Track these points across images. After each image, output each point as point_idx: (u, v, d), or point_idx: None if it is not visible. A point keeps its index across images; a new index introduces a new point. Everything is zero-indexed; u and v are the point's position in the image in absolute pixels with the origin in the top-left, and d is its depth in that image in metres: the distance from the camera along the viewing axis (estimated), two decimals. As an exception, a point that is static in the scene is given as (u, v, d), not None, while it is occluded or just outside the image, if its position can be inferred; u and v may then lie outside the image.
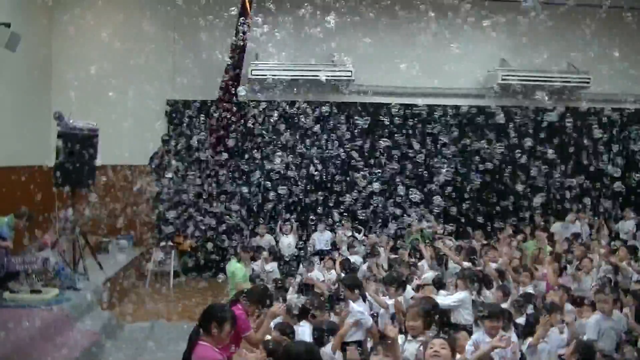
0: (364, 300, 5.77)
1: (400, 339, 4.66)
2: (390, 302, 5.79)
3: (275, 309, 4.97)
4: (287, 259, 9.79)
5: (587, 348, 4.50)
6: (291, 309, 5.56)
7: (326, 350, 4.72)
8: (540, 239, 9.39)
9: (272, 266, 8.46)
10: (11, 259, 6.67)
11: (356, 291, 5.55)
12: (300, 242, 10.42)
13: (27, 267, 6.75)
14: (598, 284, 6.78)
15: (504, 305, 5.78)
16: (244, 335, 4.78)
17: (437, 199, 9.95)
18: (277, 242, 10.21)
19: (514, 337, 5.01)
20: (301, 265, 8.49)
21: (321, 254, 9.33)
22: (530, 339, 5.05)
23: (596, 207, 11.42)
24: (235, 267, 7.72)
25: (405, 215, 10.87)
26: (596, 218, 11.15)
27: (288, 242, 10.14)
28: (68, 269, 7.68)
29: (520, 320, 5.66)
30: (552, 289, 6.96)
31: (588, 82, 11.68)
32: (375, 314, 5.94)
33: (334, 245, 10.13)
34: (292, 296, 6.59)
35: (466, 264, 7.54)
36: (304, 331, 5.13)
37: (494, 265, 7.53)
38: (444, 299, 5.97)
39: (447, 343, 3.79)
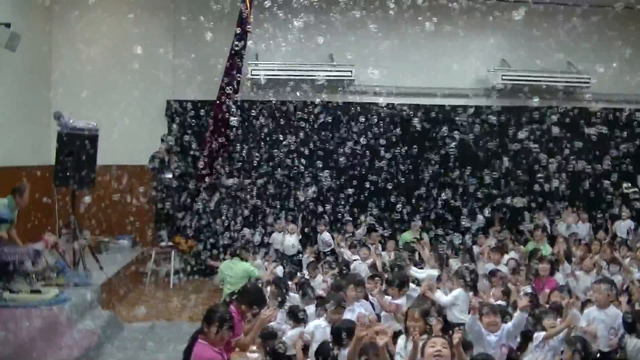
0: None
1: (402, 339, 4.67)
2: (397, 301, 5.80)
3: (266, 315, 4.88)
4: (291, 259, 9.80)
5: (580, 343, 4.53)
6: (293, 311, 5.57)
7: (343, 352, 4.55)
8: (539, 240, 9.40)
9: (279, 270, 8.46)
10: (4, 249, 6.62)
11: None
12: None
13: (18, 258, 6.71)
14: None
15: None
16: (234, 340, 4.70)
17: (439, 199, 9.98)
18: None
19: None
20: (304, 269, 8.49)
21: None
22: (537, 334, 5.08)
23: (596, 207, 11.45)
24: (249, 265, 7.66)
25: (405, 215, 10.92)
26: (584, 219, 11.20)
27: (292, 242, 10.14)
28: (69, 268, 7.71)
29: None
30: (540, 290, 6.95)
31: (588, 82, 11.68)
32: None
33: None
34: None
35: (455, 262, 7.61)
36: (317, 326, 5.12)
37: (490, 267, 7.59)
38: (440, 297, 6.05)
39: (447, 343, 3.79)
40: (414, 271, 7.18)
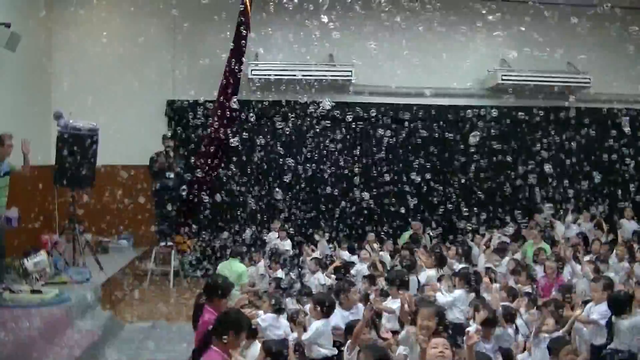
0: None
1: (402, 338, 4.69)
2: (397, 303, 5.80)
3: (239, 300, 4.83)
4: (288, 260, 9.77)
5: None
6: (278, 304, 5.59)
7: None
8: (537, 239, 9.39)
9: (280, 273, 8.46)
10: None
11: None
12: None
13: None
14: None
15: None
16: None
17: (439, 200, 9.95)
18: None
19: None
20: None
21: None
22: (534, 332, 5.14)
23: (597, 207, 11.44)
24: (242, 269, 7.65)
25: (405, 215, 10.92)
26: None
27: (286, 243, 10.11)
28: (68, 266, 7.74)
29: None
30: (548, 290, 6.95)
31: (588, 82, 11.67)
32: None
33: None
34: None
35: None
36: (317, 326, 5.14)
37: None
38: (441, 297, 6.06)
39: (449, 343, 3.79)
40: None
